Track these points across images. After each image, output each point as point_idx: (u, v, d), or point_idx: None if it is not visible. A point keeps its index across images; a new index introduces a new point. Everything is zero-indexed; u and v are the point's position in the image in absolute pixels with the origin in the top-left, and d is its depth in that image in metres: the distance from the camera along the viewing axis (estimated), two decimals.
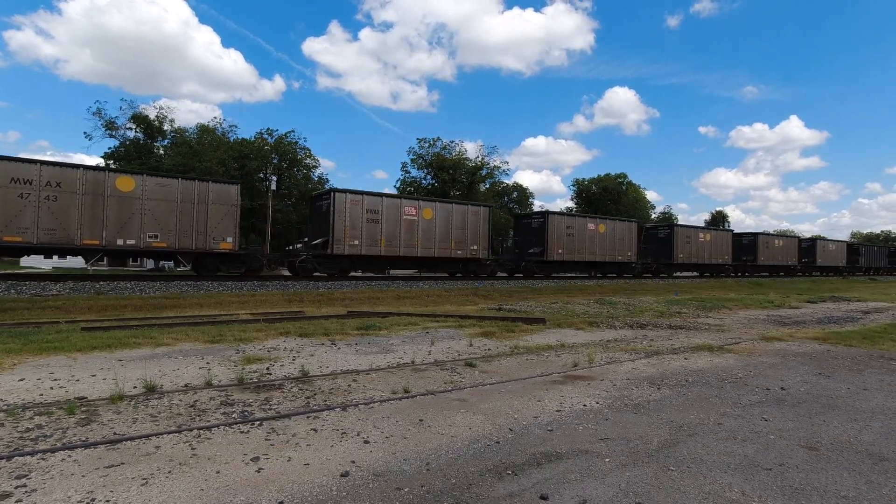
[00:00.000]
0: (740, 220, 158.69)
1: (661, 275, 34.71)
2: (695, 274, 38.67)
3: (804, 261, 46.90)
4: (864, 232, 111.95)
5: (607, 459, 3.78)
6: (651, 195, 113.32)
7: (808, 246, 49.09)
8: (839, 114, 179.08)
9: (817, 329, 12.09)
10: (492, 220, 26.42)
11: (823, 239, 52.97)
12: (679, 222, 55.02)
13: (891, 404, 5.52)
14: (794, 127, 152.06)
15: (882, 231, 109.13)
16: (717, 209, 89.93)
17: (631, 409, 5.11)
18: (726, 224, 75.37)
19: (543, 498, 3.14)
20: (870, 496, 3.29)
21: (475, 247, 25.10)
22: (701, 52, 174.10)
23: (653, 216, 67.39)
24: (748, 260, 40.94)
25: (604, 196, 60.81)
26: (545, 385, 6.02)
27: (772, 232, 61.68)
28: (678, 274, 36.97)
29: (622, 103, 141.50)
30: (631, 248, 31.89)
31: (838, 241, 56.16)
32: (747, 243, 41.50)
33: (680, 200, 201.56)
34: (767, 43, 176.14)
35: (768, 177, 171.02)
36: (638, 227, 34.58)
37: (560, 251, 28.71)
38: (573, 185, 65.78)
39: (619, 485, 3.35)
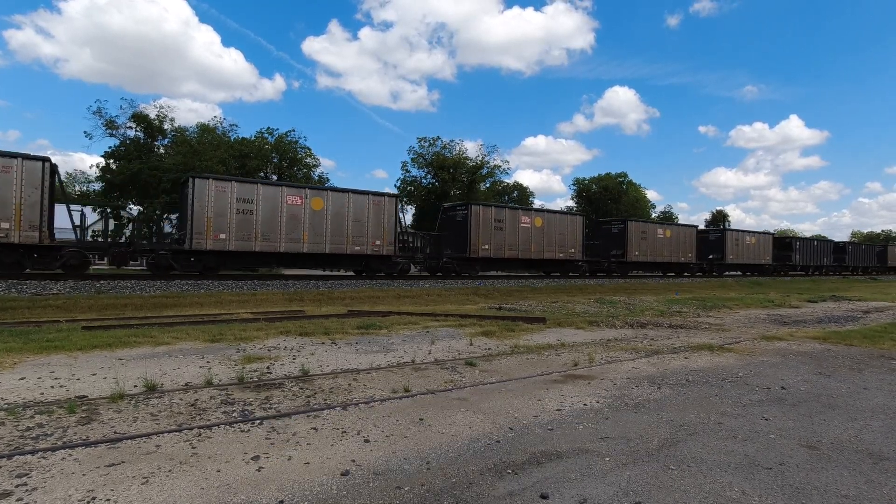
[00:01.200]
0: (741, 220, 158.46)
1: (614, 275, 31.00)
2: (657, 273, 34.94)
3: (782, 260, 43.00)
4: (865, 231, 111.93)
5: (607, 458, 3.78)
6: (651, 195, 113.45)
7: (787, 243, 45.42)
8: (839, 113, 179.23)
9: (818, 328, 12.09)
10: (399, 212, 23.38)
11: (803, 237, 50.01)
12: (636, 218, 49.51)
13: (891, 404, 5.52)
14: (794, 126, 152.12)
15: (882, 230, 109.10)
16: (718, 209, 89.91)
17: (631, 409, 5.12)
18: (727, 224, 75.25)
19: (544, 497, 3.14)
20: (870, 495, 3.29)
21: (378, 242, 21.97)
22: (701, 52, 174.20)
23: (653, 216, 67.34)
24: (716, 258, 37.74)
25: (604, 195, 60.74)
26: (545, 384, 6.03)
27: (744, 228, 57.45)
28: (633, 273, 33.29)
29: (622, 103, 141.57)
30: (576, 245, 28.07)
31: (821, 238, 53.60)
32: (714, 240, 38.43)
33: (680, 200, 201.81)
34: (767, 42, 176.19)
35: (768, 176, 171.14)
36: (591, 222, 32.31)
37: (486, 247, 25.28)
38: (573, 185, 65.75)
39: (620, 484, 3.35)
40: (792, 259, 42.91)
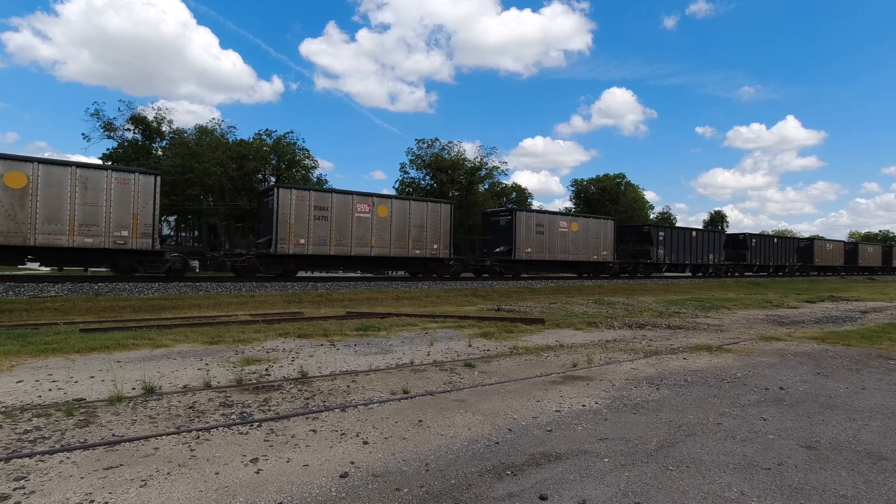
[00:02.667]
0: (739, 220, 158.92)
1: (506, 277, 26.38)
2: (563, 275, 30.41)
3: (736, 259, 38.53)
4: (863, 232, 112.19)
5: (606, 459, 3.78)
6: (650, 196, 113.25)
7: (741, 240, 41.06)
8: (836, 114, 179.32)
9: (816, 329, 12.11)
10: (454, 217, 24.66)
11: (761, 234, 45.08)
12: (532, 207, 45.26)
13: (889, 404, 5.54)
14: (791, 127, 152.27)
15: (880, 231, 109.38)
16: (716, 209, 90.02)
17: (630, 410, 5.12)
18: (725, 225, 75.36)
19: (543, 498, 3.14)
20: (868, 495, 3.29)
21: (436, 246, 23.49)
22: (698, 53, 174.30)
23: (651, 216, 67.44)
24: (642, 255, 33.21)
25: (602, 196, 60.84)
26: (544, 385, 6.03)
27: (686, 226, 50.88)
28: (526, 276, 27.97)
29: (620, 104, 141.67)
30: (439, 240, 24.10)
31: (785, 235, 49.91)
32: (642, 236, 33.91)
33: (678, 201, 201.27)
34: (764, 43, 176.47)
35: (766, 177, 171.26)
36: (484, 215, 29.70)
37: (528, 250, 26.71)
38: (572, 186, 65.87)
39: (619, 485, 3.35)
40: (746, 258, 39.14)
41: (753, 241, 40.90)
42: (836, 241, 53.98)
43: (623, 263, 32.27)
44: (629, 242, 33.90)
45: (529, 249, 26.97)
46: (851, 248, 53.19)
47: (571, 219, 30.04)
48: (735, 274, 40.05)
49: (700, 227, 57.98)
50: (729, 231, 54.19)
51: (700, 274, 38.00)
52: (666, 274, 36.82)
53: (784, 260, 43.83)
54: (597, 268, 30.76)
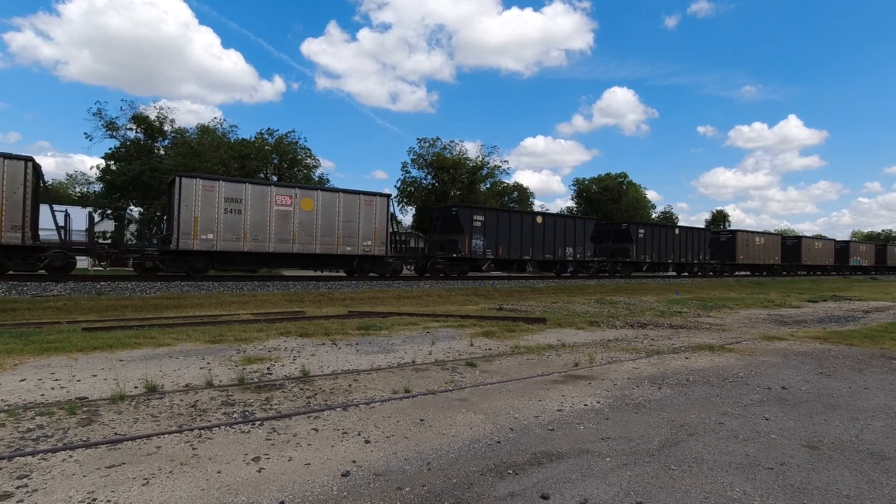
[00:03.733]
0: (740, 220, 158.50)
1: (452, 276, 24.64)
2: (506, 275, 27.97)
3: (617, 254, 33.22)
4: (865, 231, 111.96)
5: (608, 459, 3.78)
6: (651, 195, 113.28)
7: (714, 238, 38.47)
8: (838, 113, 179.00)
9: (818, 328, 12.09)
10: (390, 211, 22.82)
11: (649, 223, 40.37)
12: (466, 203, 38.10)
13: (892, 403, 5.52)
14: (792, 126, 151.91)
15: (883, 230, 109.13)
16: (718, 209, 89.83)
17: (632, 409, 5.11)
18: (727, 225, 75.13)
19: (544, 497, 3.14)
20: (871, 495, 3.29)
21: (369, 242, 21.79)
22: (699, 53, 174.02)
23: (654, 216, 67.33)
24: (620, 253, 30.74)
25: (604, 196, 60.75)
26: (546, 385, 6.02)
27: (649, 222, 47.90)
28: (474, 276, 26.28)
29: (621, 103, 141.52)
30: (373, 235, 22.05)
31: (765, 233, 45.49)
32: (621, 233, 30.96)
33: (680, 200, 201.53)
34: (766, 43, 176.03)
35: (767, 176, 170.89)
36: (437, 210, 27.84)
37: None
38: (573, 185, 65.78)
39: (621, 484, 3.35)
40: (630, 253, 33.30)
41: (641, 230, 33.66)
42: (826, 238, 52.13)
43: (602, 262, 31.14)
44: (608, 241, 32.78)
45: (479, 242, 24.95)
46: (794, 242, 48.36)
47: (302, 192, 26.64)
48: (725, 274, 38.73)
49: (702, 226, 57.55)
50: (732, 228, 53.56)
51: (685, 273, 36.81)
52: (647, 274, 35.16)
53: (687, 257, 36.79)
54: (569, 266, 29.32)
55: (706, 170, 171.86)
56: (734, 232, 40.99)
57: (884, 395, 5.85)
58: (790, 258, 44.94)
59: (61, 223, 17.28)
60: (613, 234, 33.30)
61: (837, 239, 54.58)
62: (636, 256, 32.74)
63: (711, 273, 38.13)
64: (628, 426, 4.56)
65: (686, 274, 37.07)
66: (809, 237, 50.23)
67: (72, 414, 4.53)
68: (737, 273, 40.65)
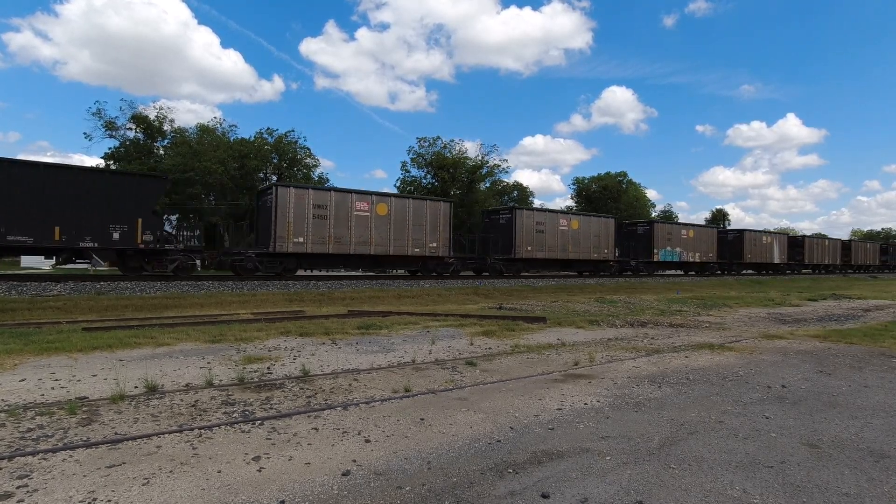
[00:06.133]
0: (740, 219, 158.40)
1: (505, 275, 25.88)
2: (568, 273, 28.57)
3: (639, 257, 31.98)
4: (865, 230, 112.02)
5: (608, 458, 3.78)
6: (651, 194, 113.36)
7: (642, 232, 33.47)
8: (837, 112, 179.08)
9: (818, 327, 12.09)
10: (453, 215, 24.86)
11: (680, 223, 37.75)
12: (532, 206, 38.88)
13: (892, 402, 5.52)
14: (791, 125, 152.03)
15: (882, 228, 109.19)
16: (717, 207, 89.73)
17: (632, 408, 5.11)
18: (726, 224, 75.11)
19: (544, 496, 3.14)
20: (871, 493, 3.29)
21: (434, 244, 23.75)
22: (698, 52, 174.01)
23: (653, 215, 67.31)
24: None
25: (604, 195, 60.73)
26: (546, 384, 6.02)
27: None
28: (527, 274, 27.17)
29: (620, 103, 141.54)
30: (438, 238, 23.87)
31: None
32: (503, 223, 27.22)
33: (679, 199, 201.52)
34: (764, 42, 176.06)
35: (767, 175, 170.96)
36: (484, 213, 29.49)
37: (529, 248, 26.96)
38: (573, 184, 65.77)
39: (621, 483, 3.35)
40: (654, 252, 31.83)
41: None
42: (779, 232, 47.20)
43: (626, 261, 32.04)
44: (631, 240, 33.33)
45: (530, 248, 27.10)
46: (796, 241, 46.09)
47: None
48: (732, 273, 38.50)
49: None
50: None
51: (692, 273, 36.33)
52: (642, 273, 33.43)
53: (775, 257, 41.03)
54: (596, 266, 30.77)
55: (705, 169, 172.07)
56: (804, 238, 43.12)
57: (883, 394, 5.85)
58: (625, 253, 36.03)
59: (169, 229, 19.71)
60: (634, 234, 34.39)
61: (843, 239, 54.52)
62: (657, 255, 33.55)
63: (719, 272, 38.35)
64: (628, 425, 4.56)
65: (692, 273, 37.15)
66: (642, 221, 40.28)
67: (72, 414, 4.53)
68: (743, 272, 40.72)
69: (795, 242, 46.63)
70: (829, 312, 15.94)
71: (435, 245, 23.78)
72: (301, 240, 20.23)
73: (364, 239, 21.69)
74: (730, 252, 39.61)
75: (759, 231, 45.11)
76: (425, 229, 23.46)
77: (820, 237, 52.97)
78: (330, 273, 25.29)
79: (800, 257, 45.26)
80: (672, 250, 34.51)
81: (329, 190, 21.76)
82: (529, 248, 26.86)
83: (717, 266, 37.79)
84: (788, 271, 44.33)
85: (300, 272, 23.42)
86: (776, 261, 42.73)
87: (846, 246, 52.68)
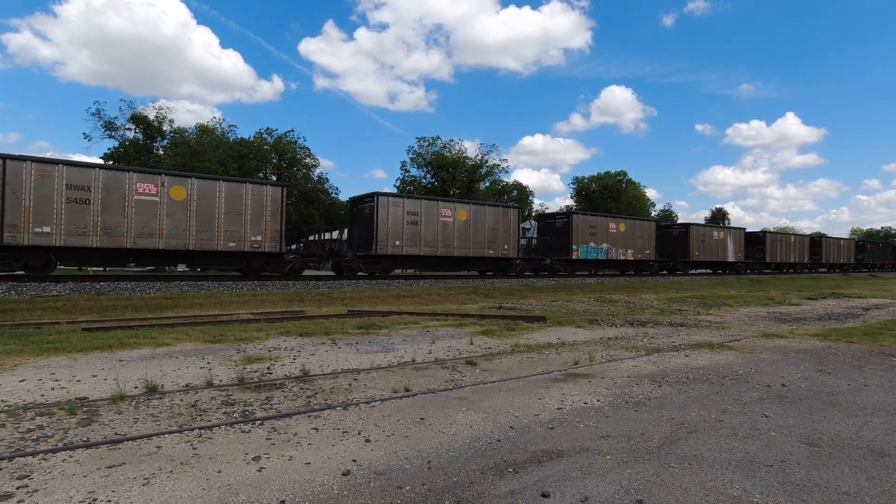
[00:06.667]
0: (740, 218, 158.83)
1: (560, 274, 27.24)
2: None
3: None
4: (865, 228, 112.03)
5: (608, 457, 3.78)
6: (651, 193, 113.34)
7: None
8: (836, 111, 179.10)
9: (818, 326, 12.09)
10: (520, 220, 27.31)
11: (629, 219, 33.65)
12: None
13: (892, 400, 5.52)
14: (790, 124, 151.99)
15: (882, 227, 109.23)
16: (717, 206, 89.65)
17: (632, 407, 5.12)
18: (726, 223, 75.07)
19: (545, 496, 3.14)
20: (871, 492, 3.29)
21: (506, 246, 26.27)
22: (697, 51, 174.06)
23: (653, 214, 67.32)
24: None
25: (604, 194, 60.72)
26: (546, 383, 6.02)
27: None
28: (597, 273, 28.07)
29: (619, 102, 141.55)
30: (509, 241, 26.56)
31: (636, 218, 36.43)
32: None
33: (679, 198, 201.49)
34: (763, 41, 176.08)
35: (766, 174, 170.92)
36: (540, 217, 30.42)
37: (396, 243, 23.28)
38: (573, 184, 65.74)
39: (621, 482, 3.35)
40: (689, 253, 31.12)
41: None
42: (735, 228, 41.52)
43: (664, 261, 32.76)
44: (669, 242, 34.11)
45: (398, 242, 23.53)
46: (756, 238, 42.30)
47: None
48: (755, 272, 38.52)
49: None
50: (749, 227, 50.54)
51: (721, 271, 36.94)
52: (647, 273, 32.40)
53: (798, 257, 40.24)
54: (495, 265, 27.18)
55: (705, 168, 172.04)
56: (764, 233, 42.05)
57: (883, 392, 5.86)
58: (661, 252, 35.92)
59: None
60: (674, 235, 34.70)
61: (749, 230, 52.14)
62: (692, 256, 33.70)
63: (664, 272, 34.82)
64: (628, 424, 4.56)
65: (720, 271, 37.28)
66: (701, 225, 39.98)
67: (72, 414, 4.53)
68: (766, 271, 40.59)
69: (755, 238, 42.04)
70: (829, 311, 15.95)
71: (507, 247, 26.34)
72: (398, 243, 22.92)
73: (448, 242, 24.48)
74: (674, 249, 35.42)
75: (709, 226, 41.93)
76: (498, 233, 25.96)
77: (784, 232, 49.24)
78: (325, 273, 25.68)
79: (760, 255, 41.03)
80: (597, 246, 29.94)
81: (420, 198, 24.64)
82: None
83: (657, 265, 33.50)
84: (748, 270, 40.18)
85: (306, 272, 23.88)
86: (731, 259, 38.37)
87: (815, 242, 48.55)
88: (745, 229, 41.23)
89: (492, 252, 25.67)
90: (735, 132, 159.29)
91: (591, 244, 29.83)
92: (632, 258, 31.99)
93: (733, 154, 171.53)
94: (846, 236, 71.05)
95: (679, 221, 57.59)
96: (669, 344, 9.03)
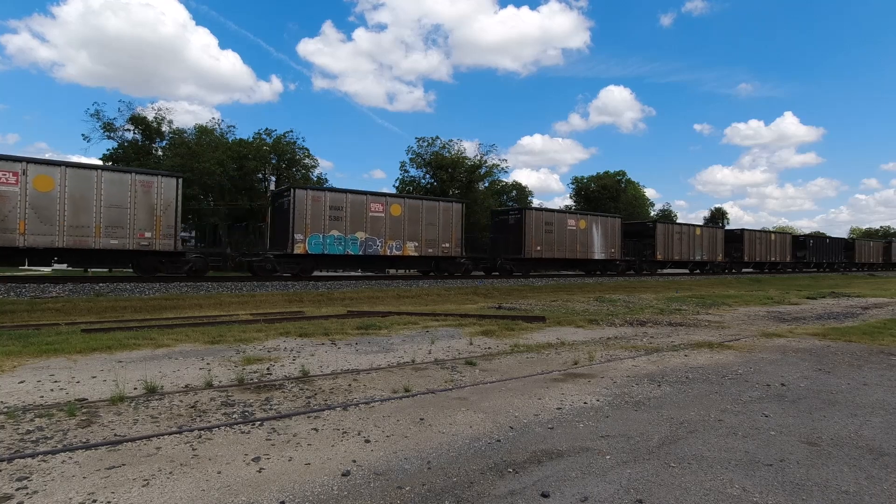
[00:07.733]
0: (739, 217, 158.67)
1: (515, 275, 25.90)
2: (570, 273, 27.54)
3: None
4: (863, 228, 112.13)
5: (608, 457, 3.78)
6: (650, 193, 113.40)
7: (513, 223, 26.72)
8: (835, 110, 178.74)
9: (817, 325, 12.10)
10: (464, 216, 24.90)
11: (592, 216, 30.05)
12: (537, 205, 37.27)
13: (891, 399, 5.53)
14: (789, 124, 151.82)
15: (881, 226, 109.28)
16: (716, 206, 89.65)
17: (631, 407, 5.12)
18: (725, 223, 75.11)
19: (544, 496, 3.14)
20: (870, 491, 3.29)
21: (447, 244, 23.90)
22: (695, 51, 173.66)
23: (652, 213, 67.35)
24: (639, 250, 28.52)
25: (603, 194, 60.72)
26: (546, 383, 6.03)
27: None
28: (535, 274, 26.42)
29: (618, 102, 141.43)
30: (451, 238, 23.96)
31: (598, 214, 31.51)
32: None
33: (678, 198, 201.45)
34: (761, 40, 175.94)
35: (765, 174, 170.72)
36: (493, 213, 28.91)
37: (538, 248, 26.67)
38: (572, 184, 65.71)
39: (620, 482, 3.35)
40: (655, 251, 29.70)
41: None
42: (705, 226, 39.53)
43: (630, 260, 31.70)
44: (632, 239, 32.92)
45: (539, 248, 26.65)
46: (733, 235, 39.38)
47: (580, 217, 29.58)
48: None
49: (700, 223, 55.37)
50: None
51: (698, 271, 35.37)
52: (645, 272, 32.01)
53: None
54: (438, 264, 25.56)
55: (703, 167, 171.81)
56: (742, 231, 40.73)
57: (882, 392, 5.86)
58: (620, 254, 32.38)
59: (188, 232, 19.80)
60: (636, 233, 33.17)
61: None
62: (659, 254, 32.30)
63: (631, 272, 32.44)
64: (628, 424, 4.56)
65: (698, 271, 36.18)
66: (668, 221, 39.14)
67: (71, 415, 4.53)
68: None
69: (734, 236, 39.71)
70: (829, 311, 15.96)
71: (448, 245, 24.04)
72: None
73: (382, 239, 22.25)
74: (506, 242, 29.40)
75: (561, 211, 33.70)
76: (438, 230, 23.60)
77: (674, 222, 39.47)
78: (329, 273, 25.28)
79: (739, 254, 38.91)
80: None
81: (345, 192, 21.82)
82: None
83: (623, 264, 31.41)
84: (729, 270, 38.29)
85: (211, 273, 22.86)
86: (597, 256, 30.94)
87: (736, 237, 40.26)
88: (723, 228, 41.48)
89: (430, 251, 23.19)
90: (734, 131, 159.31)
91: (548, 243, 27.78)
92: (595, 257, 29.66)
93: (732, 153, 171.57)
94: (773, 229, 63.49)
95: (652, 218, 53.56)
96: (669, 343, 9.04)
